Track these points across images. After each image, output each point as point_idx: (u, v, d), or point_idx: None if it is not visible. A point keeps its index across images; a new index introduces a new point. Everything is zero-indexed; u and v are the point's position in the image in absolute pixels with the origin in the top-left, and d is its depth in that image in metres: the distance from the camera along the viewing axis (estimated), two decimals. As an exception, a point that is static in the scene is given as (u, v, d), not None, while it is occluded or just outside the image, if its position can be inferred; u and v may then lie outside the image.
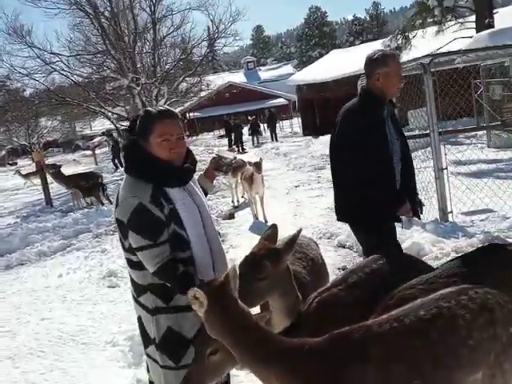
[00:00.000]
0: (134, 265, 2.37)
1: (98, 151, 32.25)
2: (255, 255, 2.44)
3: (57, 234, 9.99)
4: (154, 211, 2.26)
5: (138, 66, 18.41)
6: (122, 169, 2.73)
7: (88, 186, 13.26)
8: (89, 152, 34.14)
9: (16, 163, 43.13)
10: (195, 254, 2.36)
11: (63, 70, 18.05)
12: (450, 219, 6.24)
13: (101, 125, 47.76)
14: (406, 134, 4.19)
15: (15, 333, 4.41)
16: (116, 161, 21.75)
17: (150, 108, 2.47)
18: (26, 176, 22.34)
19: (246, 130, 28.23)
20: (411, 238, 5.55)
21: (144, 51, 19.14)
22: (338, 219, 3.66)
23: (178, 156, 2.39)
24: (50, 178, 14.32)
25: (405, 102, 8.35)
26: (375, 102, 3.31)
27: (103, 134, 47.59)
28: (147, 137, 2.35)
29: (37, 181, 22.10)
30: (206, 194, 2.66)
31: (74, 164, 29.29)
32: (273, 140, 27.09)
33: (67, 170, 16.47)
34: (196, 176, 2.60)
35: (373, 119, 3.25)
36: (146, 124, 2.37)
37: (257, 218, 8.72)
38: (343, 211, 3.51)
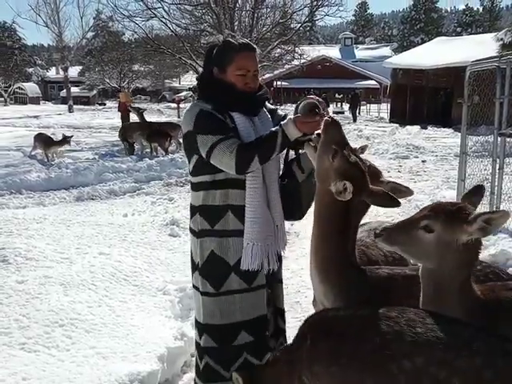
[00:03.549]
0: (193, 186, 2.41)
1: (182, 105, 32.67)
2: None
3: (130, 177, 10.19)
4: (217, 115, 2.27)
5: (236, 23, 18.17)
6: None
7: (160, 132, 13.44)
8: (174, 105, 34.65)
9: (105, 104, 44.88)
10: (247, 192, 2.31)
11: (163, 17, 18.19)
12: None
13: (189, 80, 48.55)
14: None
15: (72, 261, 4.41)
16: None
17: (230, 39, 2.42)
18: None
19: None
20: (497, 245, 5.03)
21: (244, 9, 18.80)
22: None
23: (251, 90, 2.37)
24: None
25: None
26: None
27: (190, 89, 48.50)
28: (224, 66, 2.33)
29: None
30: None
31: (157, 113, 29.87)
32: (355, 121, 26.37)
33: (149, 118, 16.71)
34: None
35: None
36: (225, 54, 2.34)
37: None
38: None
